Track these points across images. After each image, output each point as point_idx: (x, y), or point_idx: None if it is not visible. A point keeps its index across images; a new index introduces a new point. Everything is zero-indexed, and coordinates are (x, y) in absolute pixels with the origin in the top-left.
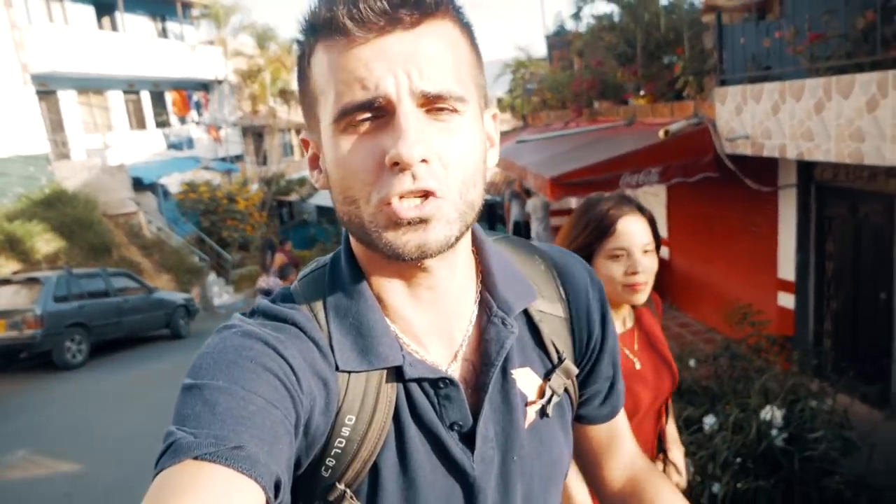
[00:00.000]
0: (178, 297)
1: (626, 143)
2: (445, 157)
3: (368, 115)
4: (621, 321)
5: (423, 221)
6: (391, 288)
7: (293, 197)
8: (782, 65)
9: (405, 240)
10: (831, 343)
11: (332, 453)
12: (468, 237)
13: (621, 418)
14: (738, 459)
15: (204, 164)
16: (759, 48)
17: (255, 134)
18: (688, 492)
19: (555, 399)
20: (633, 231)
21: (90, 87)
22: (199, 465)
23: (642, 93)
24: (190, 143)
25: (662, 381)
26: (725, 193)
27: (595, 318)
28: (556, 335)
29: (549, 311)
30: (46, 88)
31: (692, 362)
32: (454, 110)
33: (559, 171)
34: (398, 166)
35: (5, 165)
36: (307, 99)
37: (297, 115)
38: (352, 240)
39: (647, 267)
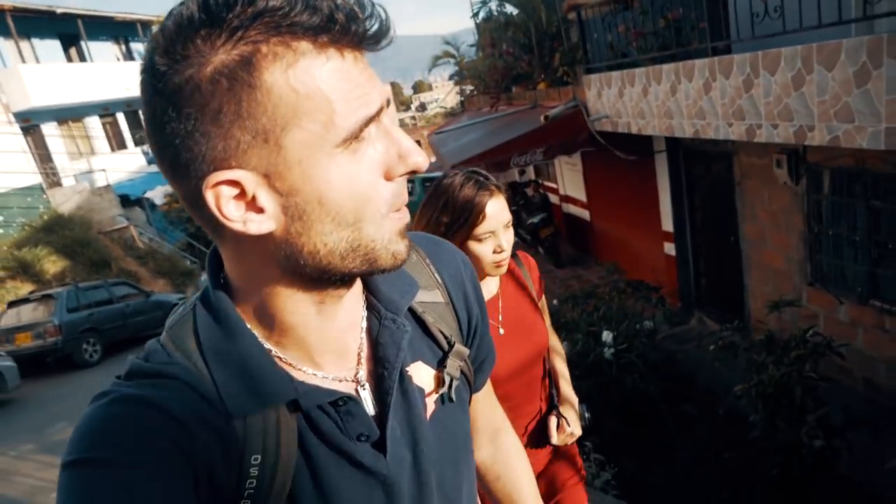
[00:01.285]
0: (174, 297)
1: (525, 126)
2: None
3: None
4: (487, 291)
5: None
6: (292, 312)
7: None
8: (629, 55)
9: (405, 245)
10: (705, 281)
11: (246, 494)
12: None
13: (488, 385)
14: (576, 372)
15: None
16: (619, 39)
17: None
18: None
19: (455, 383)
20: (498, 212)
21: (68, 116)
22: None
23: (542, 79)
24: None
25: (530, 342)
26: (619, 162)
27: (472, 297)
28: (441, 322)
29: (430, 300)
30: (30, 124)
31: (555, 301)
32: None
33: (459, 158)
34: (409, 174)
35: (6, 199)
36: (252, 123)
37: None
38: (254, 276)
39: (510, 240)
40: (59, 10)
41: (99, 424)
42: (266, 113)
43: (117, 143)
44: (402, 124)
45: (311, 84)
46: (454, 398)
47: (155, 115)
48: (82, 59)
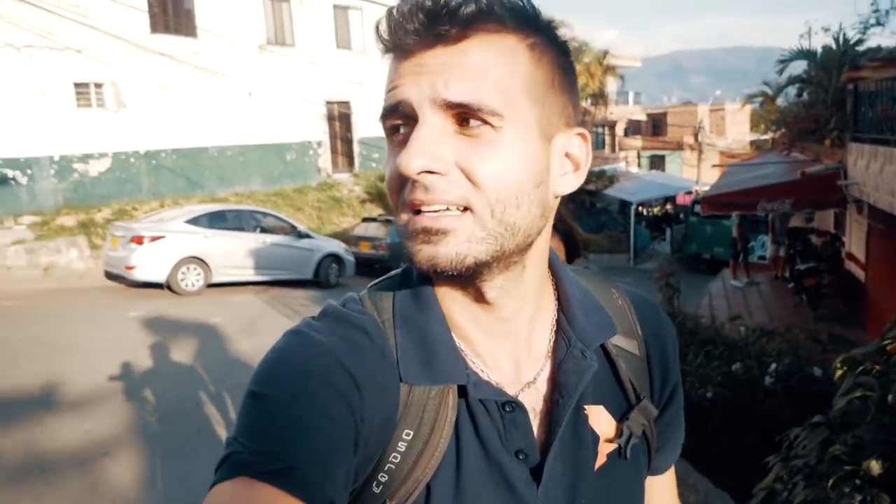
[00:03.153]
0: None
1: (779, 176)
2: (472, 171)
3: (398, 122)
4: None
5: (438, 233)
6: (456, 306)
7: (590, 186)
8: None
9: (417, 249)
10: None
11: (386, 468)
12: (539, 263)
13: (672, 472)
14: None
15: None
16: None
17: None
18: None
19: (633, 440)
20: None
21: None
22: (250, 484)
23: (829, 136)
24: None
25: None
26: None
27: (672, 361)
28: (634, 373)
29: (627, 348)
30: None
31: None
32: (488, 124)
33: (714, 192)
34: (410, 179)
35: (382, 142)
36: None
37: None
38: None
39: None
40: None
41: (277, 364)
42: None
43: None
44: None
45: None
46: (629, 456)
47: None
48: None
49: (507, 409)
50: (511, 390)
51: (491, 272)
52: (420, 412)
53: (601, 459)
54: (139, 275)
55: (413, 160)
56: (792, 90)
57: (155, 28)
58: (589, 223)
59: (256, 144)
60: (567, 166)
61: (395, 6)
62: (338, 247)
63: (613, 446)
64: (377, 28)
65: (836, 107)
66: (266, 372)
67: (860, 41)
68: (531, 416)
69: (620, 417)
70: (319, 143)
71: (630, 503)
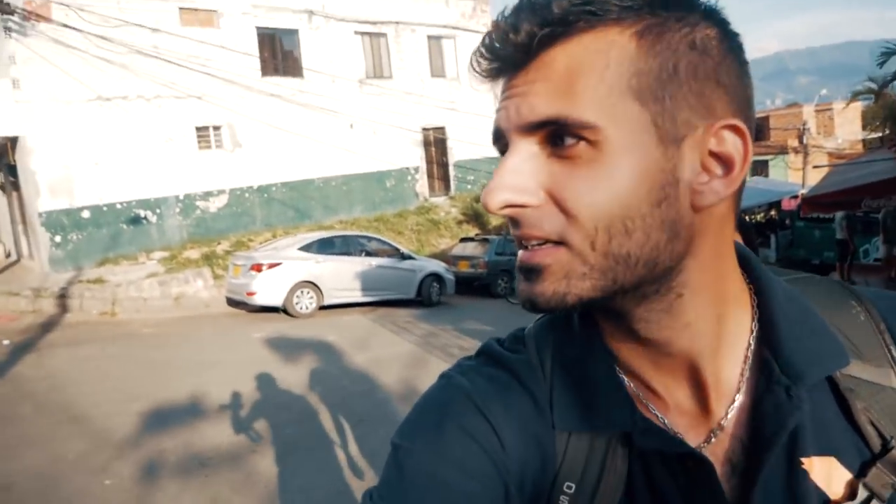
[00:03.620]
0: None
1: (885, 173)
2: (563, 201)
3: (502, 150)
4: None
5: (532, 270)
6: (621, 340)
7: None
8: None
9: (520, 289)
10: None
11: None
12: (707, 287)
13: None
14: None
15: None
16: None
17: None
18: None
19: (874, 502)
20: None
21: None
22: None
23: None
24: None
25: None
26: None
27: None
28: (882, 413)
29: (871, 379)
30: None
31: None
32: (585, 139)
33: (816, 192)
34: (505, 214)
35: (477, 164)
36: None
37: None
38: None
39: None
40: None
41: (416, 412)
42: None
43: None
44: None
45: None
46: None
47: None
48: None
49: (689, 465)
50: (695, 437)
51: (624, 306)
52: (582, 463)
53: None
54: (259, 300)
55: (493, 196)
56: None
57: (265, 71)
58: None
59: (358, 174)
60: (714, 169)
61: (489, 31)
62: (438, 266)
63: None
64: (471, 59)
65: None
66: (406, 422)
67: None
68: (724, 469)
69: (859, 472)
70: (417, 169)
71: None
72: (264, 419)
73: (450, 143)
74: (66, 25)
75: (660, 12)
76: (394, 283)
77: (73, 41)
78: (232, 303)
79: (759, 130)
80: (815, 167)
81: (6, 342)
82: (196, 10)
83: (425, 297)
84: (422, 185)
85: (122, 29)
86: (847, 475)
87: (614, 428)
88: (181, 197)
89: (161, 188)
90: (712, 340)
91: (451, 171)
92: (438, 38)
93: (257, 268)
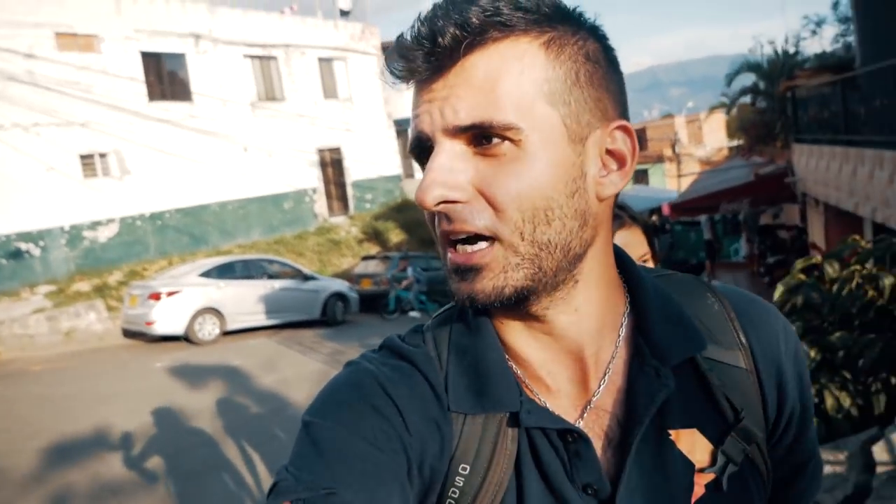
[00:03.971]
0: None
1: (737, 179)
2: (492, 196)
3: (423, 154)
4: None
5: (471, 270)
6: (511, 329)
7: None
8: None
9: (456, 287)
10: None
11: (447, 503)
12: (596, 274)
13: None
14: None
15: None
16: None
17: None
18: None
19: (730, 468)
20: (628, 244)
21: None
22: None
23: (779, 139)
24: None
25: None
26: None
27: (789, 376)
28: (734, 389)
29: (724, 360)
30: (402, 128)
31: None
32: (508, 139)
33: (683, 198)
34: (435, 210)
35: (374, 183)
36: None
37: None
38: None
39: None
40: None
41: (326, 393)
42: None
43: None
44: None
45: None
46: (725, 487)
47: None
48: None
49: (570, 440)
50: (574, 414)
51: (536, 294)
52: (475, 445)
53: (699, 491)
54: (159, 329)
55: (428, 192)
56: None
57: (153, 96)
58: None
59: (255, 197)
60: (610, 165)
61: (401, 35)
62: (342, 286)
63: (710, 476)
64: (386, 61)
65: (781, 112)
66: (316, 402)
67: (797, 52)
68: (602, 443)
69: (717, 441)
70: (314, 190)
71: None
72: (173, 445)
73: (346, 164)
74: None
75: (557, 26)
76: (298, 305)
77: None
78: (129, 334)
79: (639, 140)
80: (680, 176)
81: None
82: (74, 34)
83: (330, 316)
84: (320, 205)
85: None
86: (707, 444)
87: (502, 409)
88: (67, 228)
89: (44, 219)
90: (596, 326)
91: (350, 191)
92: (329, 59)
93: (156, 296)
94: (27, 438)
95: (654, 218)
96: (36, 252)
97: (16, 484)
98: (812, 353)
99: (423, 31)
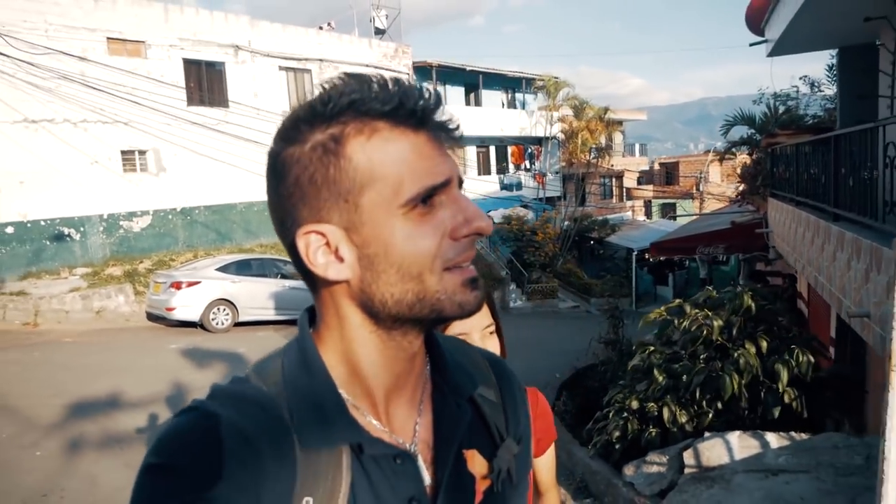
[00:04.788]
0: None
1: (717, 225)
2: None
3: (433, 195)
4: None
5: (478, 280)
6: (366, 359)
7: (594, 234)
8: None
9: (473, 296)
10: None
11: None
12: None
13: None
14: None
15: (525, 202)
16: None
17: (577, 180)
18: None
19: (502, 475)
20: (475, 323)
21: None
22: None
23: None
24: (519, 185)
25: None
26: None
27: (520, 404)
28: (495, 418)
29: (488, 396)
30: None
31: None
32: None
33: (660, 239)
34: (474, 236)
35: None
36: (336, 186)
37: (610, 164)
38: (340, 324)
39: (490, 349)
40: (468, 67)
41: (174, 435)
42: (347, 177)
43: (484, 169)
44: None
45: (385, 155)
46: (499, 489)
47: (270, 185)
48: (477, 103)
49: (398, 462)
50: (404, 439)
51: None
52: (318, 476)
53: (479, 497)
54: (177, 315)
55: (487, 221)
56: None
57: (191, 101)
58: (593, 268)
59: None
60: None
61: (437, 98)
62: None
63: (488, 482)
64: (388, 93)
65: (760, 166)
66: (158, 446)
67: (787, 110)
68: (422, 463)
69: (490, 457)
70: None
71: None
72: (174, 410)
73: None
74: None
75: None
76: (305, 304)
77: (0, 66)
78: (152, 317)
79: (671, 175)
80: (672, 217)
81: None
82: (124, 40)
83: None
84: None
85: (50, 56)
86: (483, 460)
87: (346, 440)
88: (105, 216)
89: (85, 207)
90: (420, 370)
91: None
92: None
93: (177, 285)
94: (52, 396)
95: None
96: (76, 236)
97: (39, 430)
98: (660, 379)
99: (435, 100)
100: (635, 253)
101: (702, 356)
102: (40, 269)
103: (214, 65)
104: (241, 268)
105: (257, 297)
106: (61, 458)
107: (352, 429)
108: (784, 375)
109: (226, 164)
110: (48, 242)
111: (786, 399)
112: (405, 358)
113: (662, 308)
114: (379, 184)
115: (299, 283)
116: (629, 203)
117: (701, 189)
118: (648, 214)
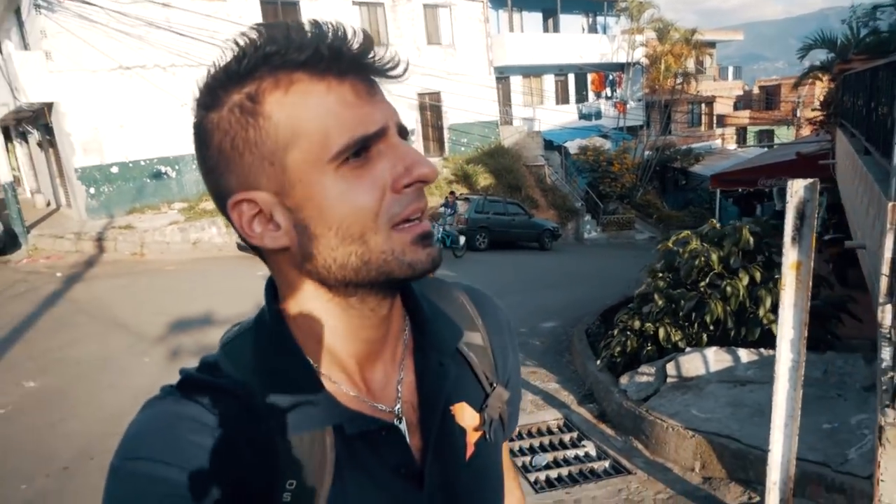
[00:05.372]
0: (549, 224)
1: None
2: None
3: (369, 147)
4: None
5: (432, 235)
6: (331, 330)
7: (676, 164)
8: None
9: (426, 254)
10: None
11: None
12: None
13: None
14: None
15: (603, 132)
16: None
17: (661, 107)
18: None
19: (494, 424)
20: None
21: (531, 73)
22: None
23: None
24: (598, 114)
25: None
26: None
27: (509, 343)
28: (483, 364)
29: (473, 342)
30: (502, 76)
31: None
32: None
33: (720, 170)
34: (416, 186)
35: (470, 128)
36: (259, 148)
37: (697, 90)
38: (294, 295)
39: None
40: None
41: (140, 432)
42: (269, 137)
43: (562, 98)
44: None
45: (306, 109)
46: (491, 438)
47: (198, 155)
48: (556, 29)
49: (382, 433)
50: (385, 407)
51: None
52: (299, 459)
53: (471, 450)
54: None
55: (433, 168)
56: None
57: None
58: (676, 200)
59: None
60: None
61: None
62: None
63: (479, 435)
64: (304, 41)
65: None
66: (125, 444)
67: (874, 31)
68: (403, 428)
69: (480, 407)
70: (413, 132)
71: (497, 478)
72: None
73: (445, 108)
74: (86, 1)
75: None
76: None
77: (94, 16)
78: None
79: (770, 99)
80: (769, 145)
81: (59, 274)
82: None
83: None
84: (417, 146)
85: (138, 4)
86: (475, 412)
87: (325, 423)
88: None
89: (178, 147)
90: (399, 320)
91: (446, 134)
92: (434, 6)
93: None
94: (157, 314)
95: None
96: (172, 174)
97: (147, 342)
98: (660, 302)
99: (362, 40)
100: None
101: (701, 284)
102: (143, 204)
103: (289, 4)
104: None
105: None
106: (164, 363)
107: (330, 409)
108: (767, 302)
109: None
110: (148, 180)
111: (764, 322)
112: (373, 325)
113: (672, 238)
114: (303, 140)
115: None
116: (719, 131)
117: (798, 115)
118: (742, 142)
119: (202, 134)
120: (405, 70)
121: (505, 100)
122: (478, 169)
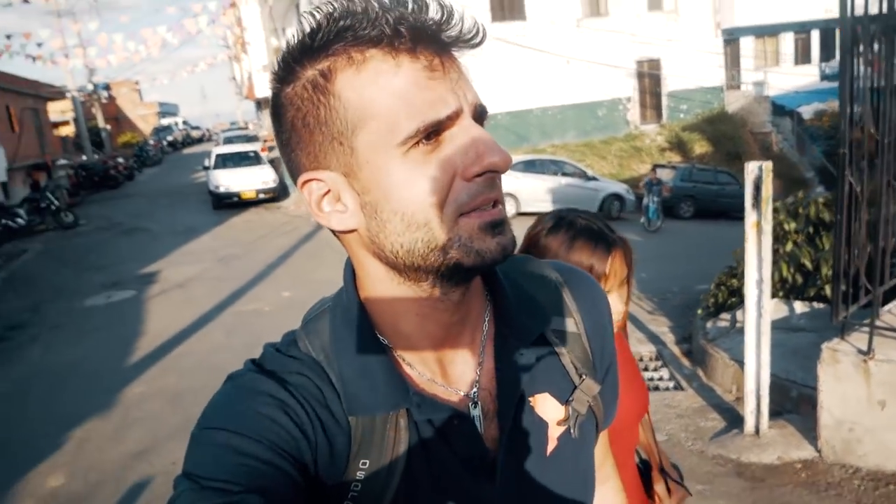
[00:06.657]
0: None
1: None
2: None
3: (441, 131)
4: None
5: (503, 223)
6: (404, 314)
7: None
8: None
9: (496, 242)
10: None
11: (350, 497)
12: None
13: (603, 433)
14: None
15: None
16: None
17: None
18: None
19: (580, 418)
20: (617, 271)
21: (766, 33)
22: None
23: None
24: None
25: (634, 400)
26: None
27: (608, 330)
28: (574, 353)
29: (564, 328)
30: (731, 38)
31: None
32: None
33: None
34: (487, 175)
35: (692, 94)
36: (328, 128)
37: None
38: (367, 277)
39: (623, 297)
40: None
41: (219, 403)
42: (339, 117)
43: (802, 58)
44: None
45: (376, 89)
46: (576, 434)
47: (274, 130)
48: None
49: (455, 422)
50: (461, 393)
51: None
52: (372, 441)
53: (552, 444)
54: None
55: (506, 156)
56: None
57: (495, 17)
58: None
59: (572, 104)
60: None
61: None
62: (620, 188)
63: (563, 429)
64: (381, 17)
65: None
66: (210, 413)
67: None
68: (483, 416)
69: (566, 400)
70: (629, 99)
71: (583, 475)
72: None
73: (664, 74)
74: None
75: None
76: (579, 199)
77: None
78: None
79: None
80: None
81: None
82: None
83: (606, 211)
84: (633, 113)
85: None
86: (559, 404)
87: (396, 408)
88: None
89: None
90: (477, 306)
91: (664, 101)
92: None
93: None
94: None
95: None
96: None
97: None
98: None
99: (452, 11)
100: None
101: (780, 250)
102: None
103: None
104: (528, 166)
105: (537, 191)
106: None
107: (401, 393)
108: (824, 269)
109: (524, 73)
110: None
111: (819, 282)
112: (447, 308)
113: (789, 202)
114: (373, 122)
115: (575, 181)
116: None
117: None
118: None
119: (278, 108)
120: (482, 38)
121: (733, 63)
122: (694, 136)
